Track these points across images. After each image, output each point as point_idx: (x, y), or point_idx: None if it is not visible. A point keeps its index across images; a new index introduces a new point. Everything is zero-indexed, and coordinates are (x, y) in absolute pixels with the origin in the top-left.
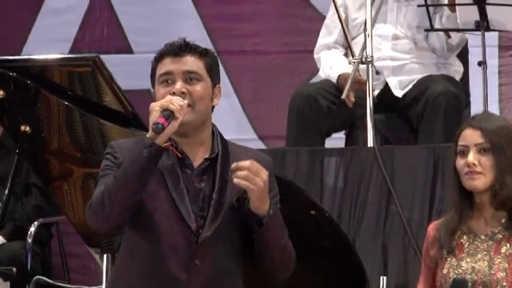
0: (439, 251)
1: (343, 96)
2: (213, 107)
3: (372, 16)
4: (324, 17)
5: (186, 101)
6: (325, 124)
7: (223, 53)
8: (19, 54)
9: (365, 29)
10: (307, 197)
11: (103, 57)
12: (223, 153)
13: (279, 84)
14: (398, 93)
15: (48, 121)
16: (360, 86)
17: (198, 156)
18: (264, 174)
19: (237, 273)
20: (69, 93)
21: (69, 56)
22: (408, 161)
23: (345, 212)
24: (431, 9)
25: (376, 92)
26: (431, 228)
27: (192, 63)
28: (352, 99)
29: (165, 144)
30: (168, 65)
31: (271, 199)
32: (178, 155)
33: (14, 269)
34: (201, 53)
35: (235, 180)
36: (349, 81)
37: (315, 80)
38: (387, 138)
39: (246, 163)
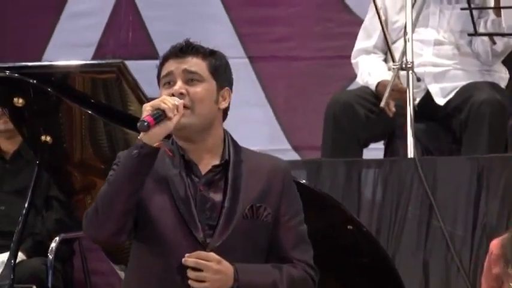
0: (504, 269)
1: (382, 104)
2: (225, 112)
3: (412, 19)
4: (361, 21)
5: (182, 101)
6: (363, 134)
7: (255, 59)
8: (40, 60)
9: (405, 33)
10: (344, 211)
11: (128, 63)
12: (235, 160)
13: (314, 91)
14: (440, 101)
15: (70, 131)
16: (400, 95)
17: (206, 163)
18: (214, 262)
19: None
20: (92, 101)
21: (93, 62)
22: (451, 173)
23: (383, 226)
24: (475, 14)
25: (417, 100)
26: (495, 244)
27: (193, 63)
28: (393, 108)
29: (156, 144)
30: (169, 66)
31: (285, 223)
32: (169, 153)
33: (34, 287)
34: (204, 53)
35: (190, 282)
36: (388, 89)
37: (352, 87)
38: (428, 148)
39: (191, 262)
